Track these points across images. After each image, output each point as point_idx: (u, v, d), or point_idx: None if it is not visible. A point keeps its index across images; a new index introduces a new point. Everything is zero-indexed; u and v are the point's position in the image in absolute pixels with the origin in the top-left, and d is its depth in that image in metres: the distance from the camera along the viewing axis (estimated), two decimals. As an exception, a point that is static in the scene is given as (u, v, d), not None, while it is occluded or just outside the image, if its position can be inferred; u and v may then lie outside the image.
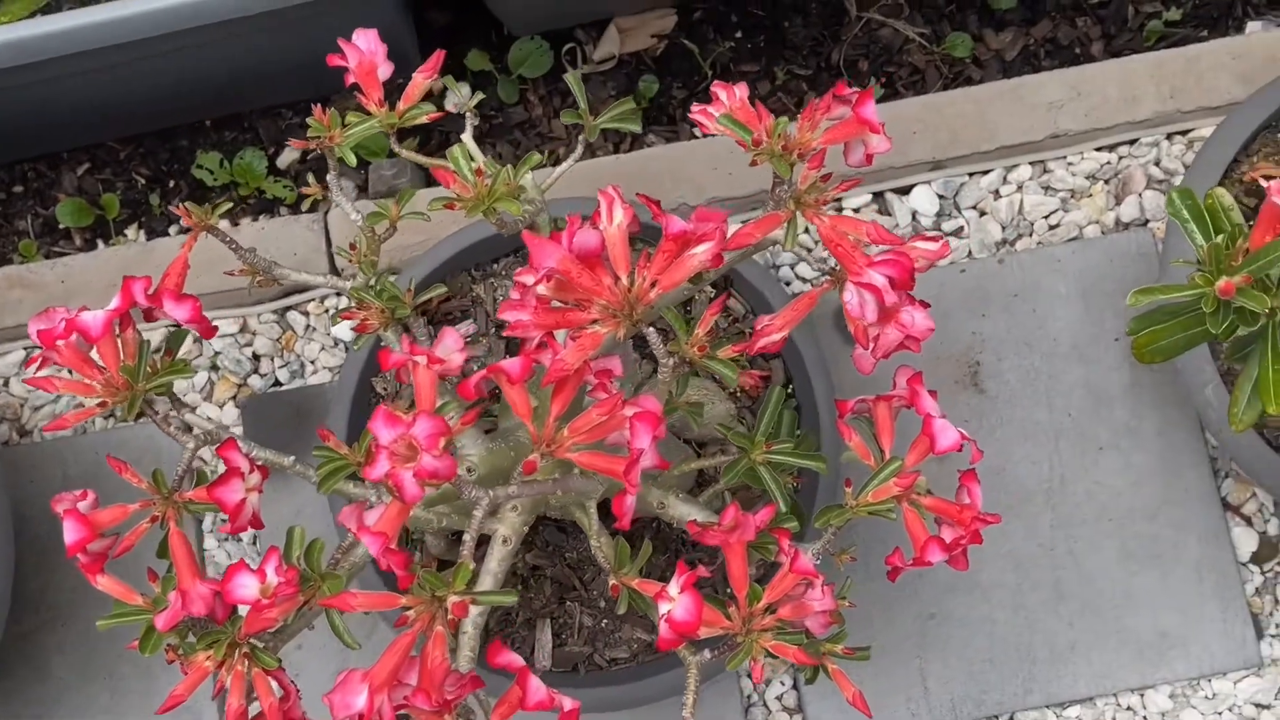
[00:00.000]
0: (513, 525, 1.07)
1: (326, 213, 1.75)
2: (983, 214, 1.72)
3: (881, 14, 1.86)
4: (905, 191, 1.73)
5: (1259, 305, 0.90)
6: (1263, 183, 0.91)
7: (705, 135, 1.72)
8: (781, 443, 1.06)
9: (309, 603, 0.94)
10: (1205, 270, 0.93)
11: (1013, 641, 1.61)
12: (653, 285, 0.91)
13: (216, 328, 1.13)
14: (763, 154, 0.91)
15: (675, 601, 0.93)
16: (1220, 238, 0.96)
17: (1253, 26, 1.83)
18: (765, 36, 1.87)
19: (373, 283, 1.06)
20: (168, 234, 1.83)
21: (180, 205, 1.01)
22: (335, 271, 1.72)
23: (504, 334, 1.05)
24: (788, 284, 1.72)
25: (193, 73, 1.70)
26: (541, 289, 0.92)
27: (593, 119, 1.14)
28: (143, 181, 1.86)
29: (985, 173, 1.72)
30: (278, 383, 1.70)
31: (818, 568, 1.01)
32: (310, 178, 1.83)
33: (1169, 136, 1.71)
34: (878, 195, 1.73)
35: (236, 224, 1.81)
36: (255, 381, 1.70)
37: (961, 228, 1.71)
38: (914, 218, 1.72)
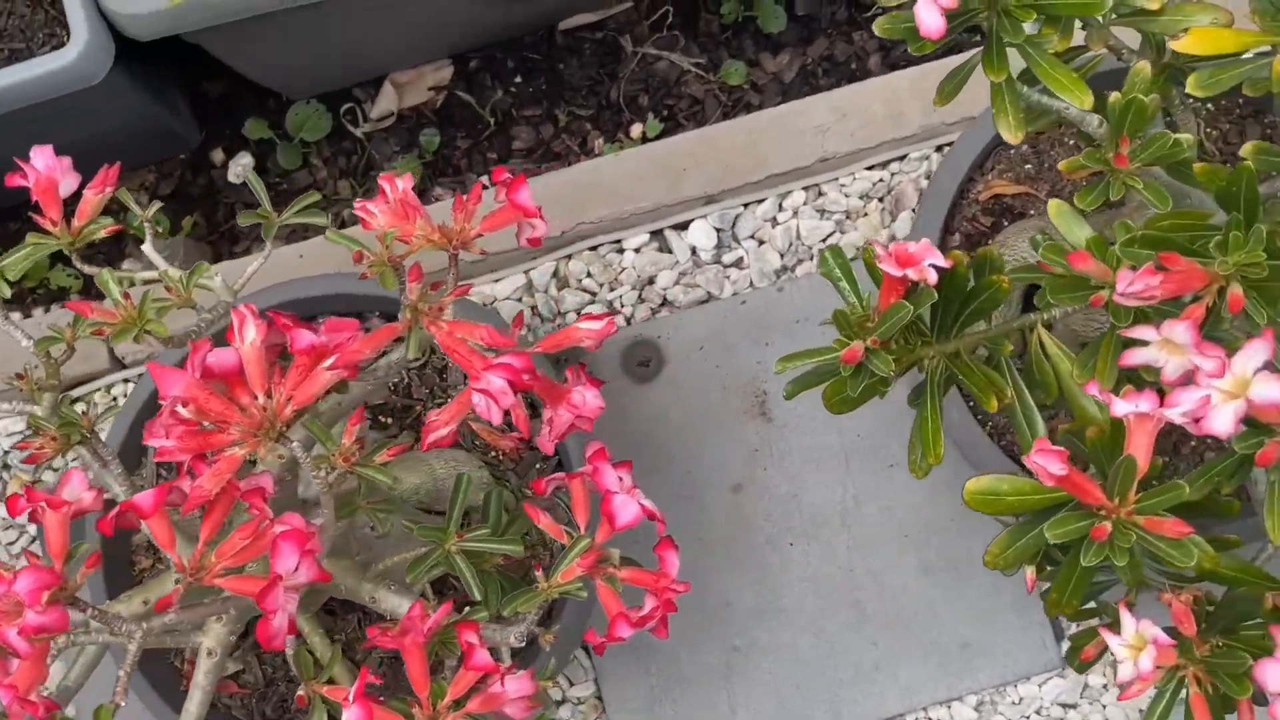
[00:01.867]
0: (218, 637, 1.06)
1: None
2: (761, 243, 1.72)
3: (657, 47, 1.86)
4: (684, 227, 1.73)
5: (884, 368, 0.91)
6: (888, 252, 0.92)
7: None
8: (477, 529, 1.07)
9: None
10: (842, 334, 0.94)
11: (818, 666, 1.62)
12: (289, 401, 0.91)
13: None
14: (373, 266, 0.91)
15: (350, 710, 0.93)
16: (866, 296, 0.97)
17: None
18: (545, 79, 1.87)
19: (56, 407, 1.05)
20: (-40, 331, 1.81)
21: None
22: (118, 361, 1.71)
23: (155, 459, 1.04)
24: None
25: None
26: (185, 412, 0.92)
27: (277, 216, 1.13)
28: (-70, 280, 1.84)
29: (760, 202, 1.73)
30: (70, 476, 1.68)
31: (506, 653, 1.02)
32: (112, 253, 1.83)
33: (938, 149, 1.72)
34: (656, 233, 1.73)
35: (29, 315, 1.80)
36: (49, 476, 1.69)
37: (741, 258, 1.72)
38: (694, 253, 1.72)
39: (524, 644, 1.06)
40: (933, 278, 0.90)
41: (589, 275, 1.73)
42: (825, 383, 0.98)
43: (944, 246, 1.44)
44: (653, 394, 1.70)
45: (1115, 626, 0.96)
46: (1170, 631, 0.98)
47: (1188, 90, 0.99)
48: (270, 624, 0.89)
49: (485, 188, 1.03)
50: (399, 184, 1.05)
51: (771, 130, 1.72)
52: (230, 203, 1.85)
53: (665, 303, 1.72)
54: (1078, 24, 1.09)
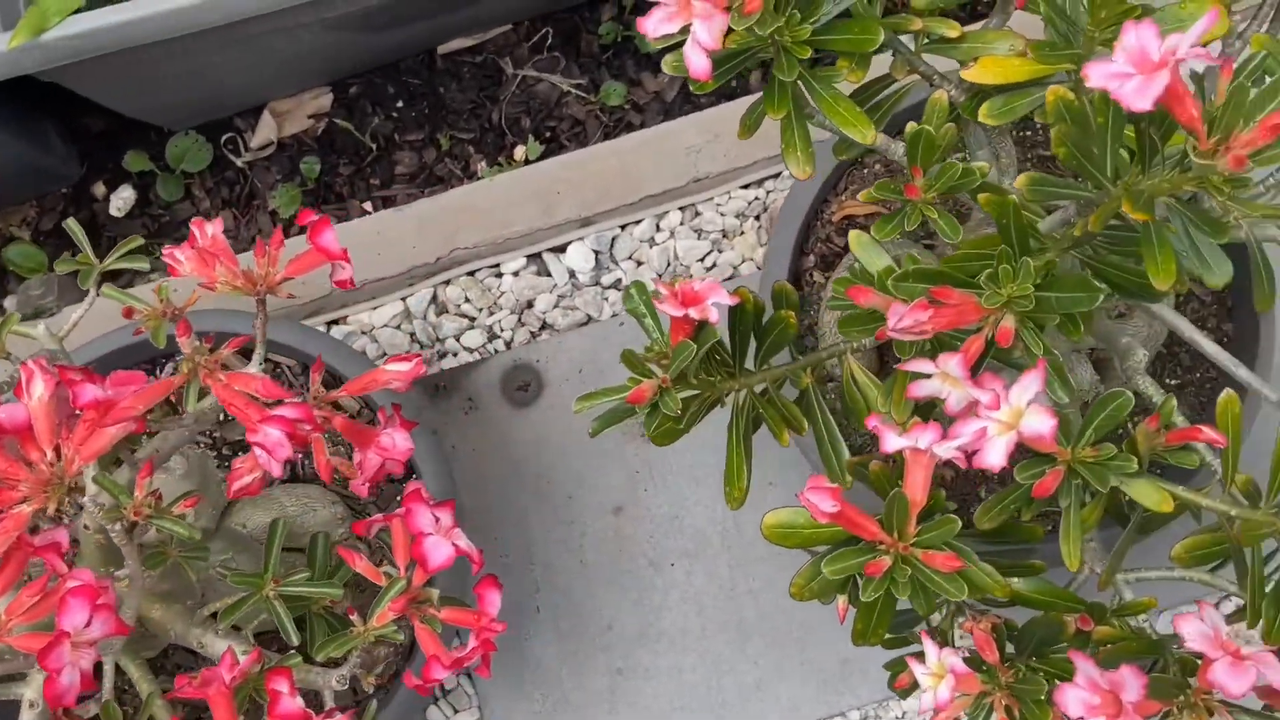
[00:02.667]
0: (39, 689, 1.06)
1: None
2: (639, 264, 1.73)
3: (537, 69, 1.86)
4: (561, 250, 1.73)
5: (672, 406, 0.92)
6: (671, 292, 0.92)
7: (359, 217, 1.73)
8: (297, 573, 1.06)
9: None
10: (633, 373, 0.95)
11: (701, 686, 1.63)
12: (76, 456, 0.91)
13: None
14: (146, 320, 0.91)
15: (152, 763, 0.93)
16: (655, 338, 0.98)
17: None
18: (426, 104, 1.87)
19: None
20: None
21: None
22: (-6, 398, 1.71)
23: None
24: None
25: None
26: (-23, 470, 0.92)
27: (99, 262, 1.13)
28: None
29: (637, 223, 1.73)
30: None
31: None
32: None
33: (813, 166, 1.72)
34: (534, 257, 1.73)
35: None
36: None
37: (620, 280, 1.72)
38: (572, 275, 1.73)
39: (345, 687, 1.06)
40: (714, 316, 0.90)
41: (467, 300, 1.73)
42: (626, 419, 0.98)
43: (798, 268, 1.45)
44: (533, 418, 1.70)
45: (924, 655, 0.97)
46: (976, 658, 0.98)
47: (980, 118, 0.99)
48: (56, 683, 0.88)
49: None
50: (209, 229, 1.05)
51: (644, 152, 1.73)
52: (113, 237, 1.84)
53: (545, 326, 1.72)
54: (889, 53, 1.10)
